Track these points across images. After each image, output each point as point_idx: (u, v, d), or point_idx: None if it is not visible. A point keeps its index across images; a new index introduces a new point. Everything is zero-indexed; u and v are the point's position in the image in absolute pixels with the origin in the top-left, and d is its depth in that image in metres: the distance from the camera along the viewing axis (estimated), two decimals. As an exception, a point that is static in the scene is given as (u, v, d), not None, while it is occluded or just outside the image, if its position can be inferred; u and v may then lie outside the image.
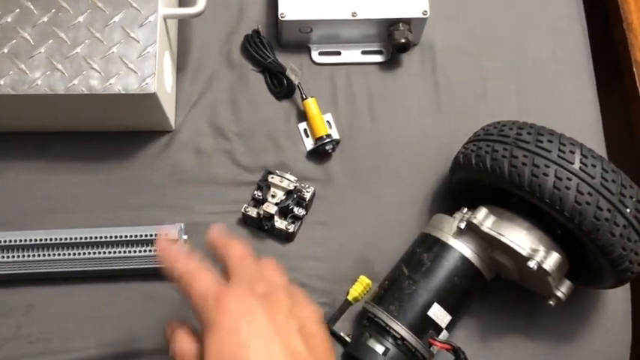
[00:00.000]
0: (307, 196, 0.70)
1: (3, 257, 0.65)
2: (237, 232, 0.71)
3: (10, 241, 0.65)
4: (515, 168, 0.59)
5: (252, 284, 0.44)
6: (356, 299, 0.69)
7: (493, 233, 0.62)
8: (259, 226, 0.71)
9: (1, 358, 0.64)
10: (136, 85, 0.64)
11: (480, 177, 0.64)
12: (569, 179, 0.57)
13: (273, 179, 0.70)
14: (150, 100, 0.65)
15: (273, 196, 0.69)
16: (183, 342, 0.44)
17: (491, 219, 0.63)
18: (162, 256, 0.47)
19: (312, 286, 0.70)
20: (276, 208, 0.69)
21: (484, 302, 0.69)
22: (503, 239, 0.61)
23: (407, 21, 0.76)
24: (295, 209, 0.70)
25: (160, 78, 0.66)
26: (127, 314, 0.67)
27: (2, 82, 0.64)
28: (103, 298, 0.67)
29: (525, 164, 0.59)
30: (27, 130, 0.73)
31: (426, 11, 0.76)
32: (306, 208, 0.71)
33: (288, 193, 0.70)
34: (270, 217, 0.68)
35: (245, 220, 0.71)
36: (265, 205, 0.69)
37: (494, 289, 0.68)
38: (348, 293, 0.69)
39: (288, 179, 0.70)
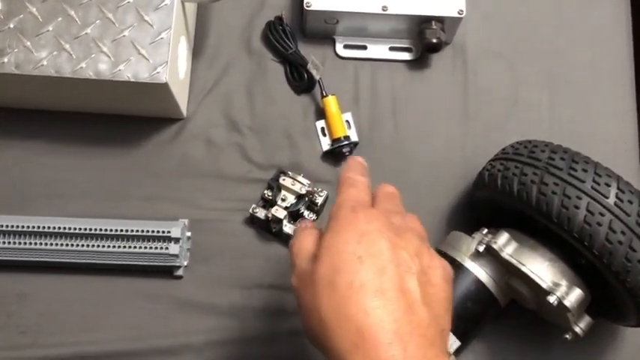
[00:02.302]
0: (319, 200, 0.67)
1: (-2, 242, 0.63)
2: (244, 232, 0.68)
3: (7, 226, 0.63)
4: (544, 196, 0.55)
5: (391, 216, 0.42)
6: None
7: (513, 261, 0.58)
8: (267, 228, 0.67)
9: (-9, 346, 0.63)
10: (146, 73, 0.60)
11: (505, 200, 0.60)
12: (601, 214, 0.53)
13: (285, 181, 0.66)
14: (161, 89, 0.62)
15: (283, 200, 0.66)
16: (305, 240, 0.42)
17: (513, 245, 0.59)
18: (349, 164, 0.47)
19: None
20: (285, 212, 0.65)
21: (495, 326, 0.65)
22: (523, 269, 0.57)
23: (440, 19, 0.71)
24: (306, 213, 0.67)
25: (172, 66, 0.62)
26: (120, 311, 0.65)
27: (6, 60, 0.60)
28: (98, 292, 0.65)
29: (555, 193, 0.55)
30: (30, 107, 0.70)
31: (462, 10, 0.70)
32: (318, 213, 0.68)
33: (300, 197, 0.66)
34: (279, 221, 0.65)
35: (252, 220, 0.68)
36: (274, 208, 0.65)
37: (507, 314, 0.64)
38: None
39: (300, 182, 0.66)
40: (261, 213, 0.66)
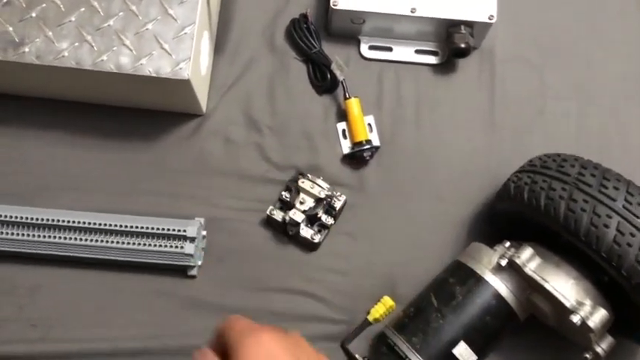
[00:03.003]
0: (338, 205, 0.65)
1: (12, 234, 0.62)
2: (259, 233, 0.67)
3: (22, 217, 0.62)
4: (572, 212, 0.53)
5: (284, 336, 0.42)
6: (376, 320, 0.64)
7: (537, 278, 0.56)
8: (283, 231, 0.66)
9: (1, 338, 0.62)
10: (168, 68, 0.59)
11: (531, 214, 0.58)
12: (632, 235, 0.51)
13: (304, 184, 0.65)
14: (182, 85, 0.60)
15: (301, 203, 0.64)
16: None
17: (537, 261, 0.58)
18: None
19: (330, 301, 0.66)
20: (303, 216, 0.64)
21: (512, 340, 0.64)
22: (546, 286, 0.56)
23: (470, 24, 0.69)
24: (323, 217, 0.65)
25: (195, 62, 0.61)
26: (132, 308, 0.64)
27: (27, 50, 0.59)
28: (111, 288, 0.64)
29: (585, 210, 0.53)
30: (49, 97, 0.69)
31: (492, 16, 0.69)
32: (335, 217, 0.66)
33: (318, 200, 0.65)
34: (296, 224, 0.64)
35: (269, 222, 0.67)
36: (292, 211, 0.64)
37: (525, 328, 0.62)
38: (368, 313, 0.64)
39: (319, 186, 0.65)
40: (278, 215, 0.65)
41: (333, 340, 0.63)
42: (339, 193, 0.66)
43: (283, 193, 0.66)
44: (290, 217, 0.63)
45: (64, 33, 0.59)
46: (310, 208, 0.64)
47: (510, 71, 0.74)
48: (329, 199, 0.65)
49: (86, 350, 0.62)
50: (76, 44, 0.59)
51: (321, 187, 0.65)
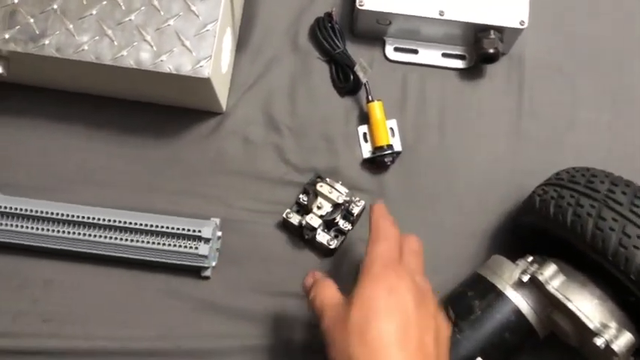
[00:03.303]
0: (356, 211, 0.64)
1: (28, 227, 0.61)
2: (275, 236, 0.66)
3: (38, 211, 0.61)
4: (600, 231, 0.51)
5: (414, 275, 0.48)
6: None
7: (560, 296, 0.54)
8: (299, 235, 0.65)
9: (13, 332, 0.61)
10: (189, 66, 0.58)
11: (556, 229, 0.56)
12: (663, 258, 0.49)
13: (322, 188, 0.64)
14: (202, 83, 0.59)
15: (319, 207, 0.63)
16: (327, 292, 0.48)
17: (560, 279, 0.55)
18: None
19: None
20: (320, 221, 0.62)
21: (531, 358, 0.61)
22: (570, 305, 0.54)
23: (500, 29, 0.67)
24: (341, 223, 0.64)
25: (216, 60, 0.60)
26: (144, 308, 0.63)
27: (47, 42, 0.58)
28: (124, 286, 0.63)
29: (613, 229, 0.51)
30: (70, 90, 0.68)
31: (523, 21, 0.66)
32: (353, 223, 0.65)
33: (336, 206, 0.63)
34: (313, 229, 0.62)
35: (285, 225, 0.65)
36: (309, 216, 0.62)
37: (544, 346, 0.60)
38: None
39: (338, 191, 0.63)
40: (295, 219, 0.64)
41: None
42: (357, 199, 0.64)
43: (301, 196, 0.65)
44: (306, 222, 0.62)
45: (85, 26, 0.58)
46: (328, 213, 0.63)
47: (540, 79, 0.71)
48: (347, 205, 0.64)
49: (97, 348, 0.61)
50: (97, 38, 0.58)
51: (340, 192, 0.63)
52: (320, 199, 0.63)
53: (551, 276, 0.56)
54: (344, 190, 0.64)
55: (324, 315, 0.46)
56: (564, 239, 0.56)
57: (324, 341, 0.45)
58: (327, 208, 0.63)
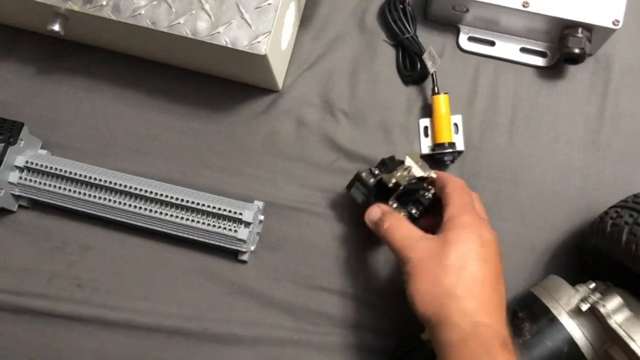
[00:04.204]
0: (429, 196, 0.57)
1: (69, 190, 0.60)
2: (319, 225, 0.62)
3: (82, 175, 0.60)
4: (679, 269, 0.46)
5: (488, 224, 0.53)
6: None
7: (622, 333, 0.49)
8: (363, 199, 0.58)
9: (47, 293, 0.61)
10: (245, 41, 0.54)
11: (627, 259, 0.50)
12: None
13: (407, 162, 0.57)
14: (258, 60, 0.56)
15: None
16: (405, 226, 0.53)
17: (625, 314, 0.50)
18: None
19: (382, 309, 0.61)
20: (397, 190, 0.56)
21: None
22: (632, 345, 0.49)
23: (589, 27, 0.60)
24: (413, 209, 0.58)
25: (275, 36, 0.56)
26: (177, 285, 0.62)
27: (105, 3, 0.56)
28: (157, 260, 0.62)
29: (695, 270, 0.45)
30: (123, 52, 0.66)
31: (617, 21, 0.59)
32: (421, 212, 0.58)
33: (421, 180, 0.57)
34: (389, 190, 0.56)
35: (352, 184, 0.59)
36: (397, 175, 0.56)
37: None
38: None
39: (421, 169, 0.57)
40: (370, 178, 0.57)
41: (377, 353, 0.59)
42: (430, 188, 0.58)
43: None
44: (395, 181, 0.56)
45: (144, -10, 0.56)
46: (411, 181, 0.56)
47: (627, 86, 0.64)
48: (425, 183, 0.57)
49: (125, 320, 0.60)
50: (154, 3, 0.56)
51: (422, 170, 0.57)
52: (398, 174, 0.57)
53: (615, 309, 0.50)
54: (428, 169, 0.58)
55: (413, 248, 0.50)
56: (635, 270, 0.50)
57: (407, 269, 0.50)
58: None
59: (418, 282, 0.49)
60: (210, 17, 0.55)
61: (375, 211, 0.56)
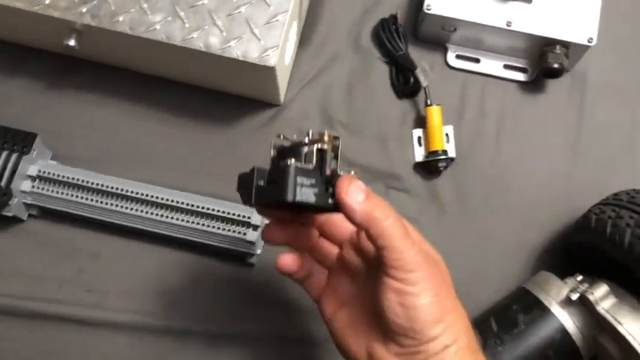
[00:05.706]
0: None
1: (80, 197, 0.63)
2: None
3: (91, 183, 0.63)
4: (660, 255, 0.50)
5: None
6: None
7: (609, 318, 0.53)
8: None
9: (58, 298, 0.63)
10: (256, 53, 0.58)
11: (611, 250, 0.55)
12: None
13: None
14: (266, 72, 0.60)
15: None
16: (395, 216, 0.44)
17: (611, 300, 0.54)
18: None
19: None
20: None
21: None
22: (620, 329, 0.53)
23: (566, 44, 0.66)
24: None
25: (282, 50, 0.60)
26: (185, 288, 0.64)
27: (121, 19, 0.59)
28: (166, 265, 0.64)
29: (674, 254, 0.50)
30: (132, 68, 0.70)
31: (591, 39, 0.65)
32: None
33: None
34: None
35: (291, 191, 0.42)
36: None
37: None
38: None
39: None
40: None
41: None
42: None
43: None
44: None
45: (159, 6, 0.60)
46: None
47: (602, 99, 0.70)
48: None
49: (136, 323, 0.62)
50: (169, 19, 0.59)
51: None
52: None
53: (602, 296, 0.54)
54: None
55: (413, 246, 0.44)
56: (619, 260, 0.55)
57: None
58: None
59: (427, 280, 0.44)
60: (221, 32, 0.59)
61: (358, 185, 0.42)
